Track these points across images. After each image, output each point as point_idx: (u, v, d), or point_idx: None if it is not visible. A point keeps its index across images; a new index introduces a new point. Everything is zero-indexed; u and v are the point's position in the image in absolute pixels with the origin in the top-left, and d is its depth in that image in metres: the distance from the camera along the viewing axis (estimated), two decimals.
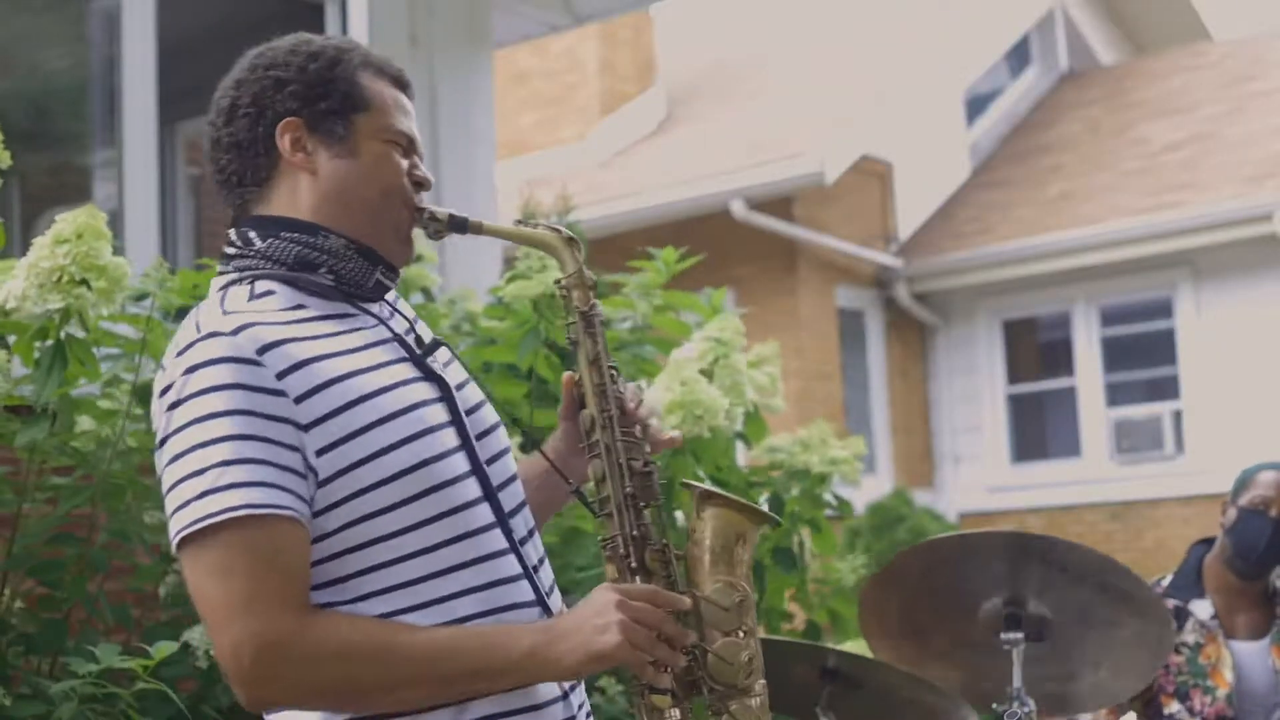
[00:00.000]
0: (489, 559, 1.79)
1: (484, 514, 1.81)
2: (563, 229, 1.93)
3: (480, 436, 1.88)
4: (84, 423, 3.12)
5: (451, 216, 1.89)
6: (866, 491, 10.51)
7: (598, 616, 1.73)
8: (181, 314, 3.57)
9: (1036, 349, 12.39)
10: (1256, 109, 11.91)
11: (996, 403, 12.03)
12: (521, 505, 1.91)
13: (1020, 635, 2.86)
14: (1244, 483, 3.71)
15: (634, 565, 1.83)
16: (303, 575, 1.70)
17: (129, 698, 2.76)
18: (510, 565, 1.81)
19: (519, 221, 1.94)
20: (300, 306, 1.81)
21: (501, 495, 1.86)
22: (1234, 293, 10.99)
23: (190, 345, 1.73)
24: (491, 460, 1.88)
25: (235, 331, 1.72)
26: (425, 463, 1.76)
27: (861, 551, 9.90)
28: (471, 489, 1.81)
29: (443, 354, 1.91)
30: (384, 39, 5.65)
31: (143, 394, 3.11)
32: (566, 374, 1.95)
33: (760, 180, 10.94)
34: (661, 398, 3.55)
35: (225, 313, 1.76)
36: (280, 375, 1.70)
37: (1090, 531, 11.23)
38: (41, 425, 2.92)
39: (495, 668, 1.71)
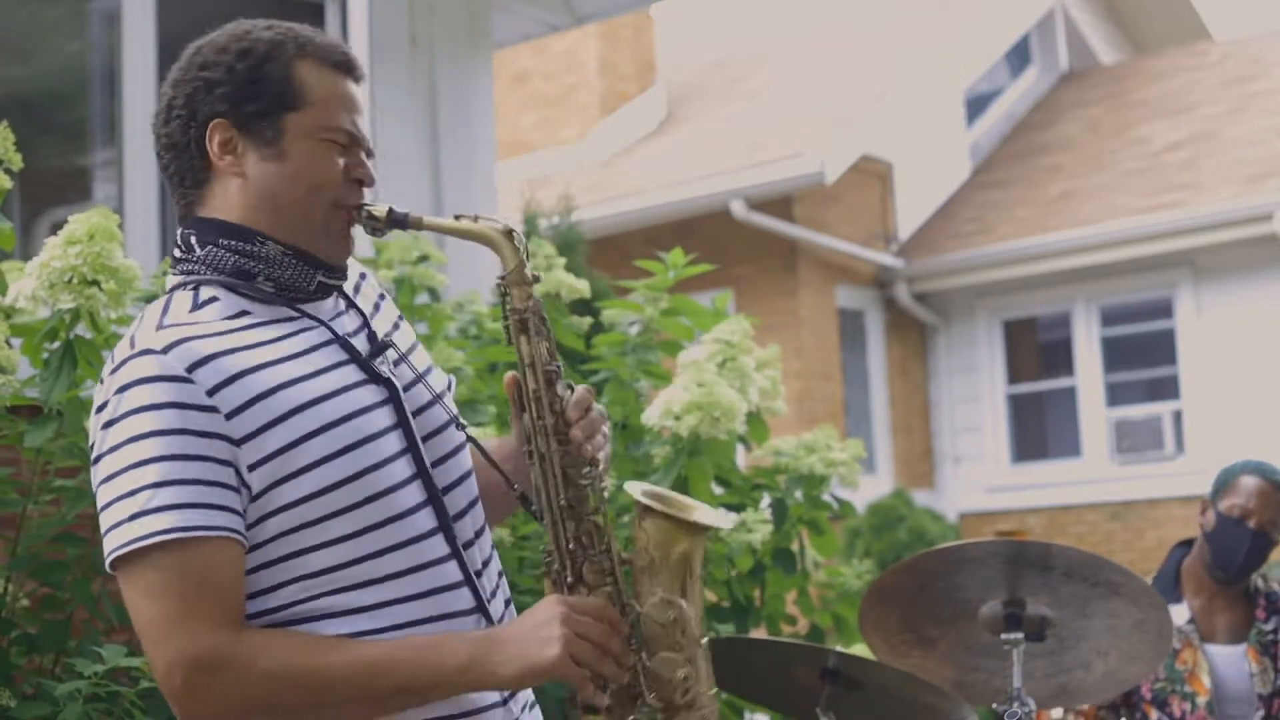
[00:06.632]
0: (428, 566, 1.78)
1: (425, 520, 1.79)
2: (503, 222, 1.85)
3: (429, 437, 1.85)
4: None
5: (391, 212, 1.84)
6: (866, 492, 10.51)
7: (541, 628, 1.70)
8: None
9: (1036, 349, 12.39)
10: (1256, 109, 11.92)
11: (996, 403, 12.04)
12: (472, 504, 1.89)
13: (1020, 635, 2.87)
14: (1224, 485, 3.63)
15: (570, 581, 1.79)
16: (235, 593, 1.70)
17: (132, 696, 2.76)
18: (451, 572, 1.80)
19: (458, 216, 1.85)
20: (244, 313, 1.79)
21: (449, 497, 1.84)
22: (1234, 293, 10.99)
23: (123, 363, 1.72)
24: (440, 461, 1.85)
25: (166, 350, 1.70)
26: (363, 472, 1.74)
27: (861, 552, 9.94)
28: (413, 495, 1.79)
29: (395, 351, 1.87)
30: (384, 39, 5.65)
31: None
32: (509, 374, 1.87)
33: (760, 180, 10.94)
34: (679, 398, 3.54)
35: (161, 327, 1.75)
36: (211, 391, 1.69)
37: (1090, 531, 11.24)
38: (49, 426, 2.91)
39: (429, 682, 1.70)
